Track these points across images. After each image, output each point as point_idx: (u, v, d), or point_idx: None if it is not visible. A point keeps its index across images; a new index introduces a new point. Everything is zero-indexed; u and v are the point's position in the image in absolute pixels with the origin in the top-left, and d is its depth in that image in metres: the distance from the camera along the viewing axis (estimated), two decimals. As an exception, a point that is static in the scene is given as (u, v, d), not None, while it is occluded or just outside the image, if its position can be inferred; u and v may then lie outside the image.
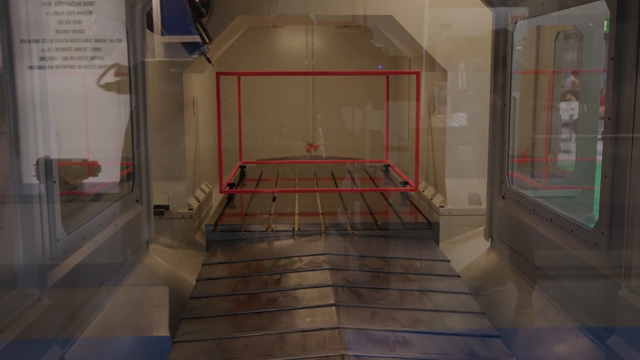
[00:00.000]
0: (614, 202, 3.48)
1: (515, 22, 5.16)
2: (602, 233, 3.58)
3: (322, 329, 3.69)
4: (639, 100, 3.24)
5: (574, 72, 7.71)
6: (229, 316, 4.04)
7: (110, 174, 5.35)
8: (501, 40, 5.32)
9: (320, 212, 6.30)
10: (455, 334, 3.73)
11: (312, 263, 4.92)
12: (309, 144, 10.81)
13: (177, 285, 5.45)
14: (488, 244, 5.68)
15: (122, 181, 5.25)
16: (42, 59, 3.30)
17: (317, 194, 7.05)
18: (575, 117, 7.64)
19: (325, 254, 5.09)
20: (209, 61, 6.41)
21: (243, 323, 3.91)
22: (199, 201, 7.20)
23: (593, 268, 3.65)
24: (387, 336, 3.65)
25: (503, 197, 5.36)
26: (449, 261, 5.11)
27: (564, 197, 6.21)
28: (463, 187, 6.94)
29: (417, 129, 6.65)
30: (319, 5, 7.01)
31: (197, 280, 4.73)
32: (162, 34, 5.53)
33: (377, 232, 5.75)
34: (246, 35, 9.88)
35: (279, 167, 9.01)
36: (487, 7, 5.43)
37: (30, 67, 3.22)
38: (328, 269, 4.73)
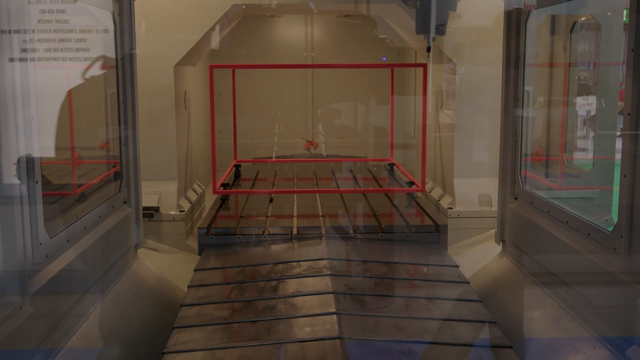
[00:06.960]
0: (634, 204, 3.48)
1: (529, 11, 5.16)
2: (621, 236, 3.58)
3: (322, 339, 3.69)
4: (660, 95, 3.25)
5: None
6: (223, 325, 4.04)
7: (96, 174, 5.36)
8: (513, 31, 5.32)
9: (321, 214, 6.30)
10: (464, 345, 3.73)
11: (312, 268, 4.93)
12: (309, 142, 10.82)
13: (168, 292, 5.45)
14: (499, 248, 5.68)
15: (108, 181, 5.25)
16: (24, 50, 3.30)
17: (317, 194, 7.06)
18: (593, 112, 7.65)
19: (326, 258, 5.09)
20: (428, 50, 6.34)
21: (238, 332, 3.91)
22: (190, 202, 7.20)
23: (611, 274, 3.65)
24: (391, 347, 3.66)
25: (515, 198, 5.37)
26: (457, 266, 5.12)
27: (580, 198, 6.21)
28: (473, 187, 6.94)
29: (424, 125, 6.64)
30: (319, -7, 7.01)
31: (188, 287, 4.74)
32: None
33: (381, 235, 5.76)
34: (241, 25, 9.90)
35: (276, 166, 9.01)
36: (499, -5, 5.44)
37: (11, 60, 3.22)
38: (329, 274, 4.73)
